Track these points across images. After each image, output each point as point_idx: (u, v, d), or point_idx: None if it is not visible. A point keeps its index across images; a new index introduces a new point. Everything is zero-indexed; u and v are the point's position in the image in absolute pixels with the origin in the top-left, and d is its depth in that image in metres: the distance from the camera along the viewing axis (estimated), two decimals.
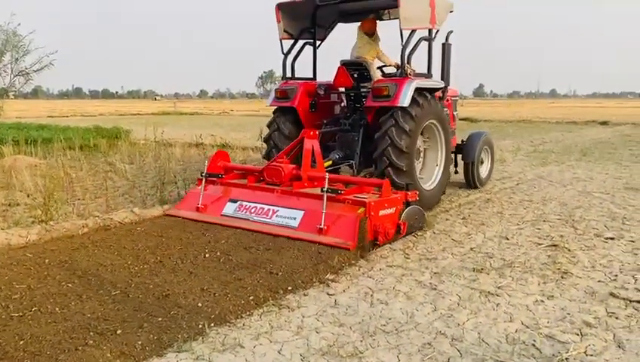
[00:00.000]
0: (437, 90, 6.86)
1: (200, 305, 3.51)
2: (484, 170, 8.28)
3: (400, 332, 3.20)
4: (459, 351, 2.98)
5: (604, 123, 25.04)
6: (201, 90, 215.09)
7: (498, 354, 2.94)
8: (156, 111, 42.19)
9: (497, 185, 8.39)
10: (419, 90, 6.17)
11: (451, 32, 6.87)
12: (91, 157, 11.19)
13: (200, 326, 3.22)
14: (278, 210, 5.39)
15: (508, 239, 5.25)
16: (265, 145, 7.37)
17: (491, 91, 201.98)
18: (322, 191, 5.07)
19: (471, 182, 7.98)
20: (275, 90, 7.09)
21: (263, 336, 3.13)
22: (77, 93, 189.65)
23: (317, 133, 6.22)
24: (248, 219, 5.46)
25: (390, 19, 7.60)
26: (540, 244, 5.05)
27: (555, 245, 5.00)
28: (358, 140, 6.77)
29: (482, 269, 4.33)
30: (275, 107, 7.14)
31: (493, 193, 7.71)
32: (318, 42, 7.52)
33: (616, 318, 3.40)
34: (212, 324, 3.26)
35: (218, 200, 5.89)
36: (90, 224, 5.38)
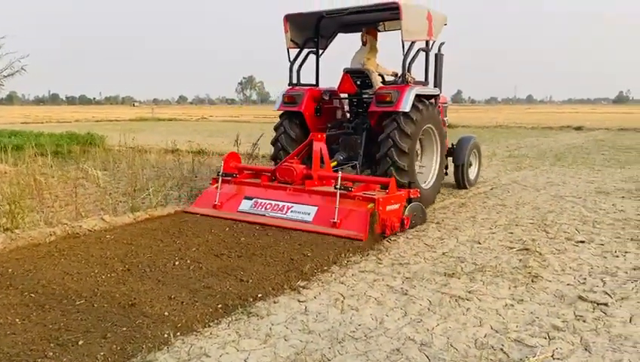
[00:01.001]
0: (434, 97, 7.34)
1: (167, 313, 3.44)
2: (472, 172, 8.75)
3: (369, 339, 3.17)
4: (427, 356, 2.96)
5: (578, 128, 25.48)
6: (180, 96, 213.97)
7: (466, 359, 2.93)
8: (134, 118, 41.71)
9: (472, 190, 8.44)
10: (418, 97, 6.63)
11: (443, 43, 7.43)
12: (64, 163, 10.97)
13: (165, 335, 3.14)
14: (292, 206, 5.83)
15: (480, 243, 5.27)
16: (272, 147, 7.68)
17: (469, 97, 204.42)
18: (336, 188, 5.57)
19: (460, 182, 8.46)
20: (283, 95, 7.47)
21: (230, 345, 3.08)
22: (53, 100, 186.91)
23: (324, 136, 6.62)
24: (264, 215, 5.87)
25: (385, 30, 8.14)
26: (511, 248, 5.08)
27: (526, 249, 5.03)
28: (361, 143, 7.21)
29: (454, 274, 4.33)
30: (282, 111, 7.55)
31: (468, 198, 7.76)
32: (320, 51, 7.97)
33: (584, 321, 3.42)
34: (178, 333, 3.19)
35: (234, 198, 6.29)
36: (58, 232, 5.25)
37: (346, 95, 7.76)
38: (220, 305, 3.59)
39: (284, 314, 3.53)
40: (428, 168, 7.35)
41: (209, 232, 5.38)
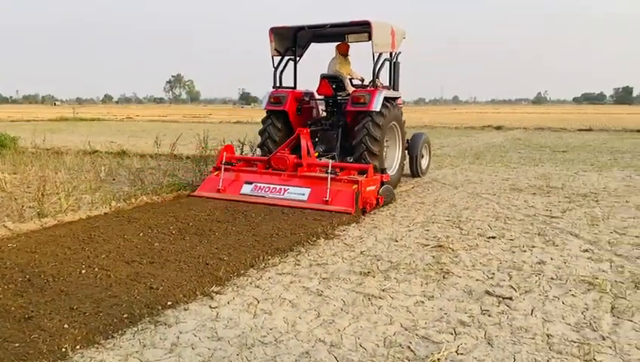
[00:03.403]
0: (397, 99, 8.81)
1: (66, 326, 3.24)
2: (424, 163, 10.14)
3: (279, 343, 3.13)
4: (336, 358, 2.95)
5: (498, 128, 26.66)
6: (105, 95, 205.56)
7: (374, 358, 2.95)
8: (54, 118, 39.61)
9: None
10: (386, 99, 7.98)
11: (400, 53, 8.85)
12: None
13: (63, 349, 2.96)
14: (288, 189, 6.98)
15: (397, 241, 5.36)
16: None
17: None
18: (327, 172, 6.76)
19: (415, 171, 9.78)
20: (269, 96, 8.62)
21: (133, 356, 2.94)
22: None
23: (309, 131, 7.80)
24: (264, 196, 6.97)
25: (350, 42, 9.32)
26: (426, 245, 5.20)
27: (440, 246, 5.16)
28: (337, 137, 8.49)
29: (369, 272, 4.37)
30: (268, 110, 8.67)
31: None
32: (297, 58, 9.13)
33: (489, 316, 3.53)
34: (77, 347, 3.02)
35: (235, 183, 7.38)
36: None
37: (322, 97, 8.98)
38: (125, 315, 3.42)
39: (193, 321, 3.42)
40: (392, 158, 8.83)
41: (121, 238, 5.16)
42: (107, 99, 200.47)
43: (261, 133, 8.76)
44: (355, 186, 6.60)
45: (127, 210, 6.46)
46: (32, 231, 5.47)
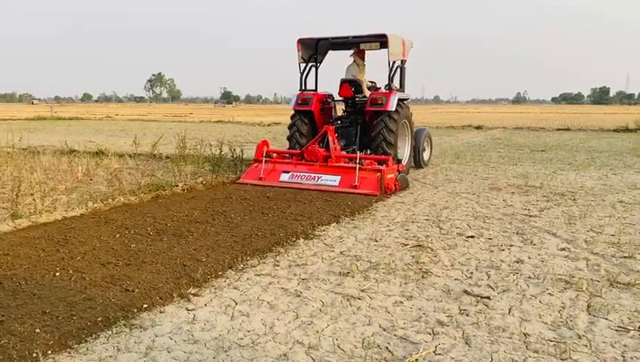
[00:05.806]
0: (406, 100, 10.07)
1: (38, 330, 3.16)
2: (426, 155, 11.38)
3: (256, 345, 3.09)
4: (313, 359, 2.92)
5: (478, 127, 26.86)
6: (84, 94, 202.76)
7: (352, 359, 2.93)
8: (31, 117, 38.92)
9: None
10: (399, 100, 9.29)
11: (405, 60, 9.98)
12: None
13: (34, 354, 2.89)
14: (321, 176, 8.20)
15: (377, 241, 5.35)
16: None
17: None
18: (355, 162, 8.06)
19: (418, 163, 10.94)
20: (297, 97, 9.93)
21: (107, 361, 2.88)
22: None
23: (334, 128, 9.10)
24: (301, 183, 8.17)
25: (365, 49, 10.38)
26: (406, 245, 5.19)
27: (419, 245, 5.17)
28: (356, 133, 9.84)
29: (349, 272, 4.36)
30: (296, 110, 9.91)
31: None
32: (318, 65, 10.43)
33: (467, 315, 3.54)
34: (49, 352, 2.95)
35: (273, 172, 8.63)
36: None
37: (341, 98, 10.20)
38: (100, 318, 3.35)
39: (169, 324, 3.37)
40: (402, 150, 10.17)
41: (97, 239, 5.07)
42: (86, 97, 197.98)
43: (290, 129, 9.99)
44: (379, 174, 7.83)
45: (104, 211, 6.36)
46: (5, 232, 5.34)
